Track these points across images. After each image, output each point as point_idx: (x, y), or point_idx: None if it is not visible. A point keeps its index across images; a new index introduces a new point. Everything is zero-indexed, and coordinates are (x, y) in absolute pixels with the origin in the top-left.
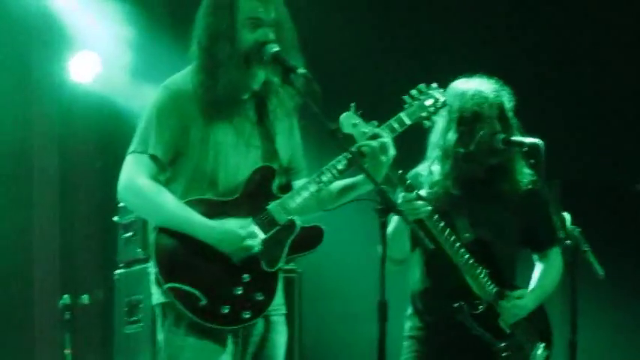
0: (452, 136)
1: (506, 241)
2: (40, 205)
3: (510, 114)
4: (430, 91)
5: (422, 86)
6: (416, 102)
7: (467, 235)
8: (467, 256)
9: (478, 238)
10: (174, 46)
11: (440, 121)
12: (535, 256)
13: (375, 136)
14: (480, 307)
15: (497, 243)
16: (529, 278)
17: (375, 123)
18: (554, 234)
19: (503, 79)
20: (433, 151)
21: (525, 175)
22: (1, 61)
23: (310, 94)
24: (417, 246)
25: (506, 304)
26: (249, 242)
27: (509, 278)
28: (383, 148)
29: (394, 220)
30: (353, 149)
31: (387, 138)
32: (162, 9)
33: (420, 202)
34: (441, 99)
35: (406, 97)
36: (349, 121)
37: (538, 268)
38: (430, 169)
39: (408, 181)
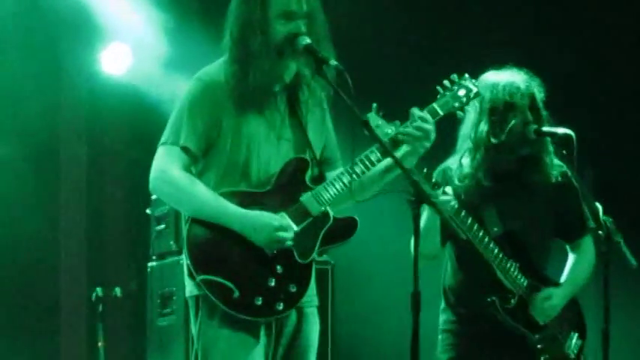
0: (483, 127)
1: (536, 233)
2: (68, 197)
3: (541, 105)
4: (463, 82)
5: (454, 76)
6: (448, 92)
7: (495, 229)
8: (496, 250)
9: (508, 230)
10: (207, 37)
11: (471, 113)
12: (567, 247)
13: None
14: (512, 300)
15: (528, 235)
16: (563, 269)
17: (398, 123)
18: (584, 224)
19: (534, 71)
20: (464, 143)
21: (556, 166)
22: (32, 52)
23: (342, 85)
24: (449, 240)
25: (537, 305)
26: (281, 234)
27: (540, 270)
28: (426, 134)
29: (425, 216)
30: (395, 132)
31: (430, 125)
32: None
33: (446, 198)
34: (474, 89)
35: (439, 88)
36: (372, 122)
37: (570, 259)
38: (460, 161)
39: (434, 179)
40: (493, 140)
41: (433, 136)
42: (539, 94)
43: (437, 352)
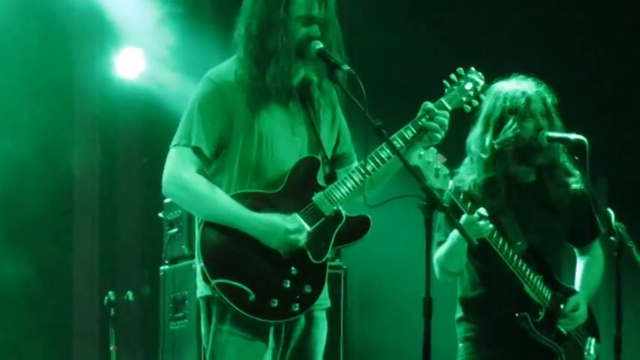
0: (492, 136)
1: (554, 243)
2: (81, 201)
3: (553, 110)
4: (469, 75)
5: (460, 70)
6: (456, 86)
7: (519, 242)
8: (524, 266)
9: (530, 244)
10: (219, 41)
11: (478, 123)
12: (576, 250)
13: (430, 112)
14: (541, 313)
15: (546, 246)
16: (572, 270)
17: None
18: (595, 229)
19: (548, 78)
20: (472, 152)
21: (573, 174)
22: (44, 57)
23: (354, 90)
24: (469, 254)
25: (567, 316)
26: (294, 237)
27: (559, 279)
28: (443, 127)
29: (452, 237)
30: (417, 122)
31: (446, 118)
32: (207, 4)
33: (482, 223)
34: (481, 82)
35: (445, 82)
36: (424, 155)
37: (581, 264)
38: (472, 170)
39: (470, 203)
40: (505, 148)
41: (446, 128)
42: (550, 100)
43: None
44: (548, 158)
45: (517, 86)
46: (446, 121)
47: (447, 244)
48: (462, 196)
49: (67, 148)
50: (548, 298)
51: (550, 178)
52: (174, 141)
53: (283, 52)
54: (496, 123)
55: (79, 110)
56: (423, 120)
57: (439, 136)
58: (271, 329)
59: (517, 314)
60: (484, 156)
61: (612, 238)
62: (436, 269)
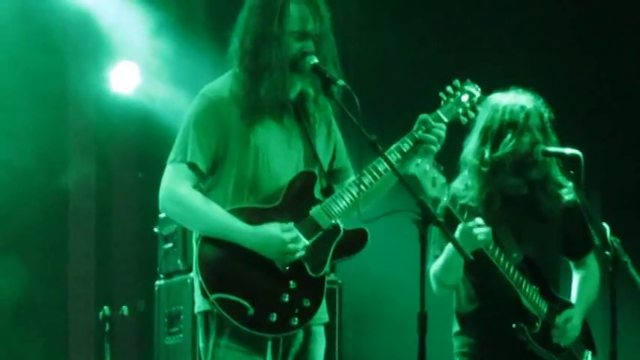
0: (491, 149)
1: (549, 256)
2: (76, 216)
3: (549, 125)
4: (465, 87)
5: (457, 82)
6: (452, 98)
7: (515, 254)
8: (520, 277)
9: (525, 256)
10: (214, 56)
11: (475, 135)
12: (572, 264)
13: (426, 124)
14: (537, 324)
15: (542, 258)
16: (569, 284)
17: (441, 167)
18: (589, 242)
19: (545, 91)
20: (470, 165)
21: (565, 186)
22: (39, 72)
23: (349, 105)
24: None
25: (560, 328)
26: (292, 246)
27: (555, 291)
28: (440, 139)
29: (448, 250)
30: (407, 141)
31: (442, 131)
32: (201, 19)
33: (477, 231)
34: (477, 94)
35: (442, 94)
36: (421, 164)
37: (577, 278)
38: (467, 183)
39: (466, 213)
40: (501, 162)
41: (443, 140)
42: (547, 115)
43: None
44: (543, 172)
45: (515, 100)
46: (443, 133)
47: (443, 258)
48: (458, 207)
49: (62, 162)
50: (545, 310)
51: (542, 191)
52: (171, 157)
53: (277, 66)
54: (494, 136)
55: (75, 125)
56: (420, 132)
57: (435, 148)
58: (269, 344)
59: (514, 325)
60: (484, 169)
61: (607, 252)
62: (433, 283)
